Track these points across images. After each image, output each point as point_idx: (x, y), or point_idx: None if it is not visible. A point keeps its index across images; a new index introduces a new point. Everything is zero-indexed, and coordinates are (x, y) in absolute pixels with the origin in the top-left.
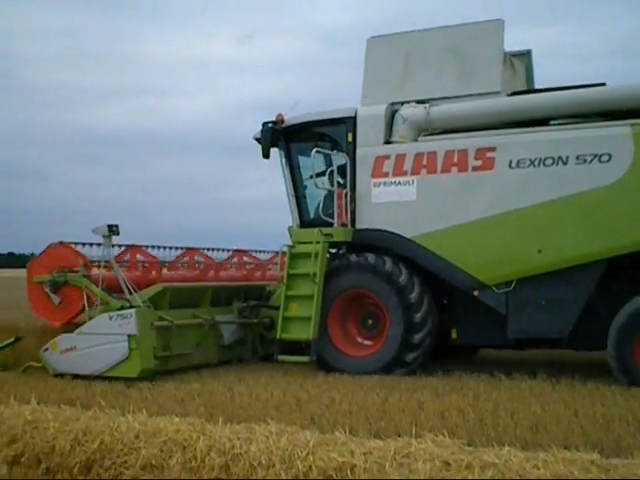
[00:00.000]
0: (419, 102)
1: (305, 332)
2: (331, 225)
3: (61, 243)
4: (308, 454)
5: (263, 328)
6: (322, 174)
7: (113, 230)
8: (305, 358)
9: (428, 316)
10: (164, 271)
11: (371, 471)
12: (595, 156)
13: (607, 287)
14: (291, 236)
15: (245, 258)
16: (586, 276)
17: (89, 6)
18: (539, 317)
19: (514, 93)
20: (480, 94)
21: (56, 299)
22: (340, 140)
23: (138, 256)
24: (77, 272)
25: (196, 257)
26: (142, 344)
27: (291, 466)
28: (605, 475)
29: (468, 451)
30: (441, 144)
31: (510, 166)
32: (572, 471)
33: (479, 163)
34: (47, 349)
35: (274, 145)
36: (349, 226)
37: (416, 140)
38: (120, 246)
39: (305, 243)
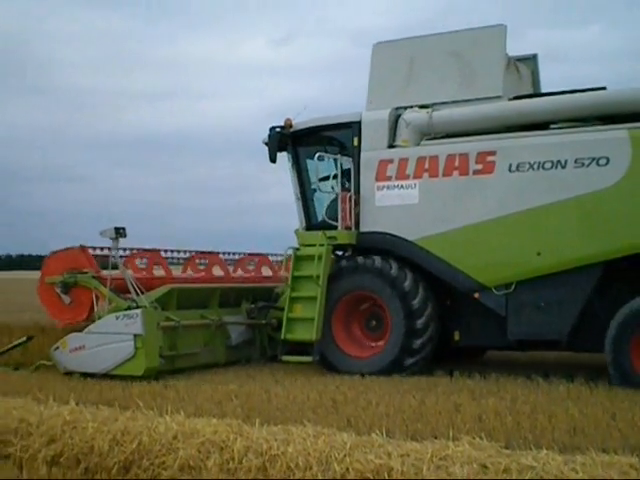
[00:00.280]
0: (422, 107)
1: (309, 333)
2: (336, 228)
3: (81, 246)
4: (345, 456)
5: (271, 329)
6: (327, 178)
7: (120, 233)
8: (308, 358)
9: (430, 322)
10: (177, 272)
11: (408, 474)
12: (593, 160)
13: (606, 289)
14: (297, 239)
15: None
16: (584, 278)
17: (125, 11)
18: (538, 319)
19: (516, 97)
20: (482, 99)
21: (67, 299)
22: (347, 144)
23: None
24: (87, 273)
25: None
26: (147, 343)
27: (328, 468)
28: None
29: (506, 454)
30: (443, 148)
31: (510, 170)
32: (610, 474)
33: (480, 167)
34: (57, 348)
35: (281, 149)
36: (353, 229)
37: (419, 144)
38: (132, 249)
39: (310, 246)
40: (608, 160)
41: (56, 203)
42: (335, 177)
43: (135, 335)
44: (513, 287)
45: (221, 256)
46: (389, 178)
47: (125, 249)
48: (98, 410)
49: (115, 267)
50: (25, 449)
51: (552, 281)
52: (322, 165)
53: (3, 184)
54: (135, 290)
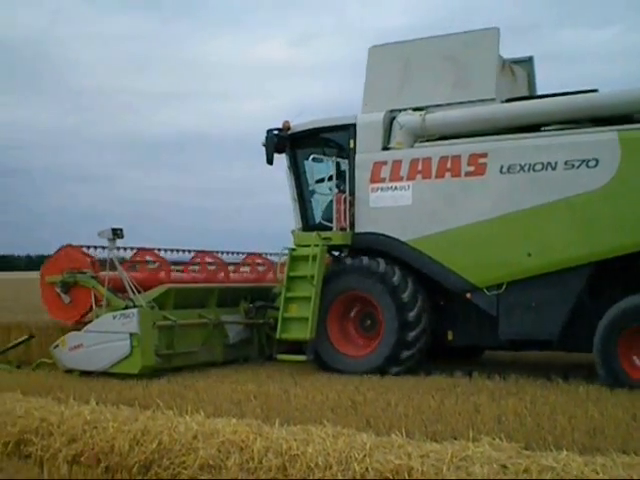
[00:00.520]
0: (416, 109)
1: (303, 332)
2: (332, 229)
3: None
4: (365, 456)
5: (269, 328)
6: (323, 180)
7: (117, 234)
8: (302, 357)
9: (422, 314)
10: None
11: (428, 474)
12: (583, 161)
13: (596, 289)
14: (294, 239)
15: (258, 260)
16: (574, 279)
17: (149, 12)
18: (529, 319)
19: (509, 100)
20: (475, 101)
21: (66, 299)
22: (343, 146)
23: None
24: (86, 273)
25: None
26: (143, 342)
27: (348, 468)
28: None
29: (526, 455)
30: (435, 150)
31: (501, 171)
32: (631, 475)
33: (472, 169)
34: (57, 346)
35: (280, 151)
36: (348, 230)
37: (412, 146)
38: (132, 249)
39: (305, 246)
40: (597, 162)
41: (74, 203)
42: (330, 179)
43: (131, 334)
44: (504, 287)
45: (223, 256)
46: (383, 180)
47: (125, 248)
48: (118, 410)
49: (113, 267)
50: (46, 448)
51: (542, 281)
52: (319, 167)
53: (23, 185)
54: (132, 290)
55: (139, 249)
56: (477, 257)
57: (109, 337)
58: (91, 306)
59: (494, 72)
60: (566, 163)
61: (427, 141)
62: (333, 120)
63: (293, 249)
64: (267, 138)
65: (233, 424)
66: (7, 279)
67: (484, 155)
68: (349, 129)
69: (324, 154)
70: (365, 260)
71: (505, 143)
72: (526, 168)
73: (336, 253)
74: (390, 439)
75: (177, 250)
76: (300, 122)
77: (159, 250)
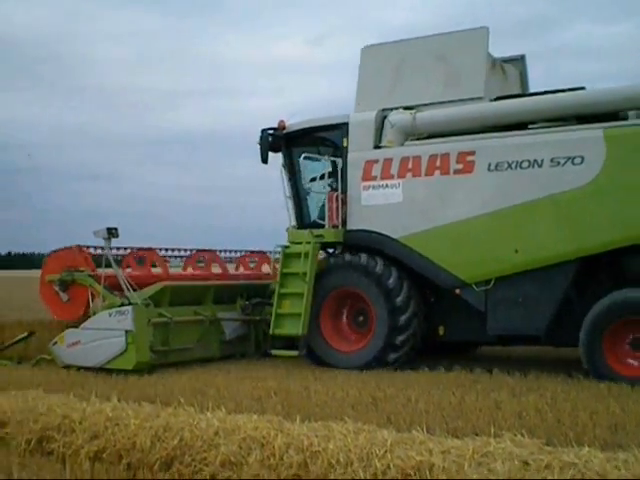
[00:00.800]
0: (407, 108)
1: (295, 328)
2: (324, 227)
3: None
4: (386, 452)
5: (266, 325)
6: (316, 179)
7: (112, 233)
8: (295, 352)
9: (413, 318)
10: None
11: (450, 470)
12: (568, 159)
13: (583, 285)
14: (288, 237)
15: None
16: (561, 275)
17: (164, 11)
18: (516, 314)
19: (498, 98)
20: (464, 100)
21: (65, 297)
22: (337, 145)
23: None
24: (83, 272)
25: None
26: (138, 339)
27: (369, 464)
28: None
29: (547, 451)
30: (425, 148)
31: (489, 169)
32: None
33: (460, 166)
34: (55, 343)
35: (273, 150)
36: (340, 227)
37: (403, 145)
38: (125, 248)
39: (298, 244)
40: (583, 159)
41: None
42: (322, 177)
43: (126, 331)
44: (492, 283)
45: (221, 254)
46: (374, 178)
47: (119, 247)
48: (140, 407)
49: (109, 265)
50: (68, 445)
51: (529, 277)
52: (313, 165)
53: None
54: (127, 288)
55: (138, 249)
56: (466, 253)
57: (105, 334)
58: (88, 304)
59: (483, 71)
60: (552, 160)
61: (417, 139)
62: (327, 119)
63: (286, 246)
64: (261, 137)
65: (254, 420)
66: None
67: (472, 153)
68: (342, 128)
69: (319, 153)
70: (348, 256)
71: (492, 141)
72: (513, 165)
73: (331, 250)
74: (411, 435)
75: (176, 249)
76: (295, 121)
77: (160, 250)
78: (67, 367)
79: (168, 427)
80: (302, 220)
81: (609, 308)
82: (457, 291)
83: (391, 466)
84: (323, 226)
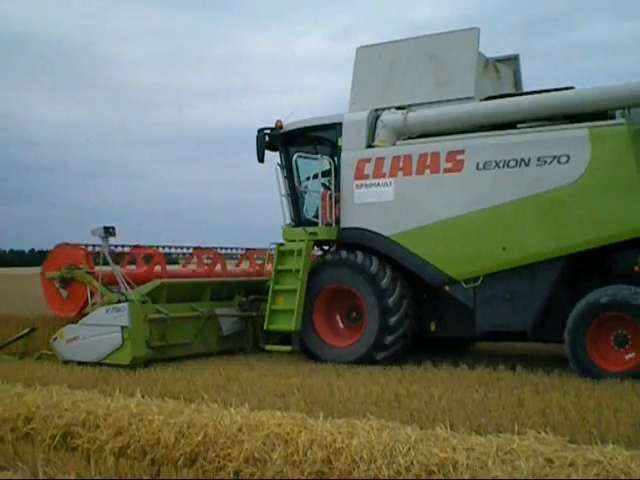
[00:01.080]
0: (399, 108)
1: (289, 323)
2: (317, 225)
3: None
4: (409, 449)
5: (263, 320)
6: (310, 177)
7: (109, 232)
8: (288, 348)
9: (404, 320)
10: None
11: (473, 467)
12: (554, 158)
13: (569, 281)
14: (282, 234)
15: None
16: (548, 272)
17: (185, 8)
18: (504, 311)
19: (488, 98)
20: (455, 99)
21: (64, 293)
22: (333, 144)
23: None
24: (82, 269)
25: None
26: (134, 335)
27: (392, 461)
28: None
29: (571, 448)
30: (416, 148)
31: (477, 168)
32: None
33: (450, 165)
34: (56, 339)
35: (270, 149)
36: (334, 225)
37: (394, 144)
38: (130, 246)
39: (292, 241)
40: (569, 158)
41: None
42: (316, 176)
43: (122, 327)
44: (480, 280)
45: (221, 251)
46: (367, 177)
47: (117, 246)
48: (164, 403)
49: (106, 263)
50: (93, 441)
51: (517, 274)
52: (308, 164)
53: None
54: (124, 285)
55: (135, 246)
56: (455, 251)
57: (102, 330)
58: (87, 300)
59: (473, 71)
60: (539, 159)
61: (409, 139)
62: (322, 119)
63: (281, 244)
64: (258, 137)
65: (277, 417)
66: None
67: (461, 152)
68: (336, 128)
69: (315, 152)
70: (344, 253)
71: (481, 140)
72: (501, 165)
73: (326, 248)
74: (434, 432)
75: (174, 247)
76: (292, 121)
77: (158, 247)
78: (67, 362)
79: (192, 423)
80: (298, 218)
81: (593, 305)
82: (447, 288)
83: (414, 463)
84: (315, 224)
